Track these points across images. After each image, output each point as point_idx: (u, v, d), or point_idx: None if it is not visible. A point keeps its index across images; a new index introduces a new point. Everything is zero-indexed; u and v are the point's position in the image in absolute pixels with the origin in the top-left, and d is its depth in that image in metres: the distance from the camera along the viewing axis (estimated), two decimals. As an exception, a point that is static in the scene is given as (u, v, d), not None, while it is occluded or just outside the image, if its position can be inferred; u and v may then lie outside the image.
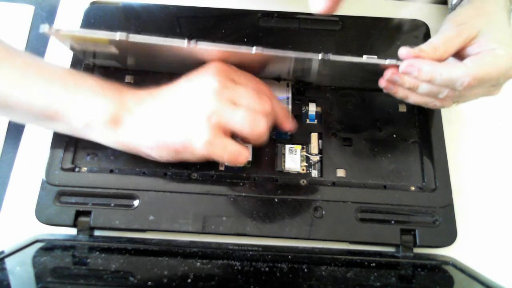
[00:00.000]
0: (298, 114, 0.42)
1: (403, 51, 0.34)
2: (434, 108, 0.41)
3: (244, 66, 0.37)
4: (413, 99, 0.36)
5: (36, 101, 0.34)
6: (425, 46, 0.34)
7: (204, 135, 0.33)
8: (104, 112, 0.34)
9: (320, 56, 0.34)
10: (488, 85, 0.34)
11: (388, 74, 0.35)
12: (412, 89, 0.35)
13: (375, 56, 0.34)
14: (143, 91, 0.36)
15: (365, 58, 0.34)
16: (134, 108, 0.35)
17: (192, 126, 0.34)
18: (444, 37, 0.35)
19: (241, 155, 0.34)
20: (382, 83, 0.36)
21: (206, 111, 0.33)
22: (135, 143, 0.35)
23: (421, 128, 0.41)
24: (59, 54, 0.44)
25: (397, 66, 0.34)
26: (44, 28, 0.33)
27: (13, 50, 0.35)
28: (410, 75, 0.34)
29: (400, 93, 0.36)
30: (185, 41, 0.33)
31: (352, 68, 0.37)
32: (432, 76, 0.33)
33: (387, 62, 0.34)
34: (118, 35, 0.33)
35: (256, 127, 0.34)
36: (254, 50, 0.33)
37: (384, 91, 0.37)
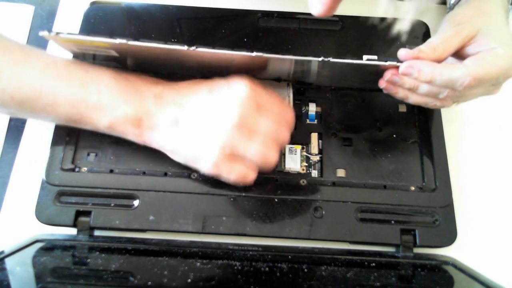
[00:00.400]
0: (298, 114, 0.41)
1: (402, 52, 0.34)
2: (434, 108, 0.41)
3: (244, 68, 0.37)
4: (413, 99, 0.36)
5: (59, 106, 0.34)
6: (424, 47, 0.34)
7: (212, 158, 0.34)
8: (125, 115, 0.34)
9: (320, 59, 0.33)
10: (488, 84, 0.34)
11: (388, 75, 0.35)
12: (412, 90, 0.35)
13: (375, 57, 0.34)
14: (165, 93, 0.35)
15: (365, 60, 0.34)
16: (155, 112, 0.35)
17: (204, 148, 0.34)
18: (443, 37, 0.35)
19: (248, 177, 0.35)
20: (382, 84, 0.36)
21: (221, 141, 0.33)
22: (155, 145, 0.36)
23: (421, 128, 0.41)
24: (59, 54, 0.44)
25: (397, 67, 0.34)
26: (43, 32, 0.33)
27: (29, 50, 0.35)
28: (410, 76, 0.34)
29: (400, 93, 0.36)
30: (185, 46, 0.33)
31: (352, 69, 0.37)
32: (432, 77, 0.33)
33: (387, 63, 0.34)
34: (118, 40, 0.33)
35: (268, 160, 0.34)
36: (254, 53, 0.33)
37: (384, 91, 0.37)
